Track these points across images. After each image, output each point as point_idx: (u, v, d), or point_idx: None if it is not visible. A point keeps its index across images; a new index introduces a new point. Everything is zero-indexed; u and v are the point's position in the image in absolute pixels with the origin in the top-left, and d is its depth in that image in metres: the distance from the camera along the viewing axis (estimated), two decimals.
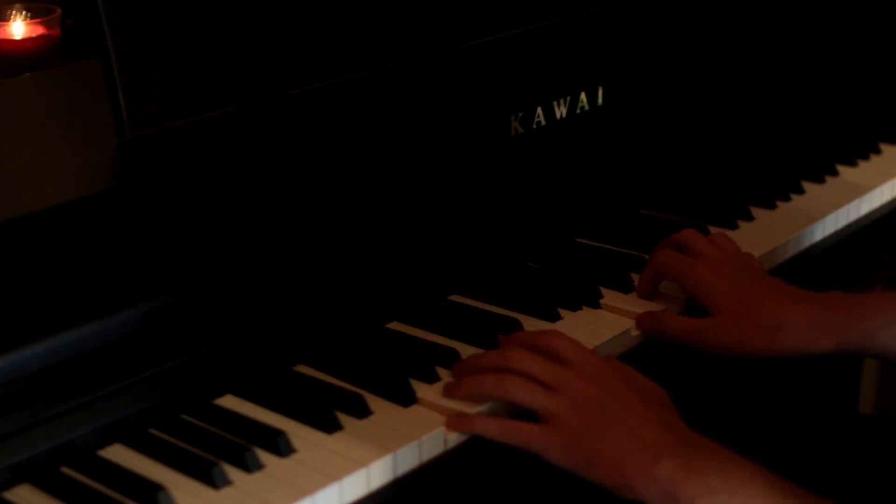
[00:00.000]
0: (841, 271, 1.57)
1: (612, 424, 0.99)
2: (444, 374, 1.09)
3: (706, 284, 1.18)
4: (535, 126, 1.31)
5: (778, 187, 1.50)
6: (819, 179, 1.54)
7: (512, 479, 1.28)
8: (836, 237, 1.46)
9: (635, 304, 1.22)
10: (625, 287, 1.25)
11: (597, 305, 1.23)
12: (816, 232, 1.43)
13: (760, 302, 1.16)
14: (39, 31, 1.46)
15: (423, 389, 1.07)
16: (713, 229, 1.38)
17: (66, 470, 0.97)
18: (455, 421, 1.03)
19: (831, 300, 1.16)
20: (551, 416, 1.00)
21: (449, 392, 1.06)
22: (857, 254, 1.54)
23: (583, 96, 1.36)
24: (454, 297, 1.24)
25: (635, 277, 1.25)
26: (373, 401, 1.05)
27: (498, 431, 1.02)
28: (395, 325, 1.18)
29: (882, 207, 1.54)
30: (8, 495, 0.94)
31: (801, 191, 1.51)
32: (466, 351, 1.12)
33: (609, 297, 1.24)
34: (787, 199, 1.49)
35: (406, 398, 1.06)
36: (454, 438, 1.03)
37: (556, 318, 1.19)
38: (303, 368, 1.11)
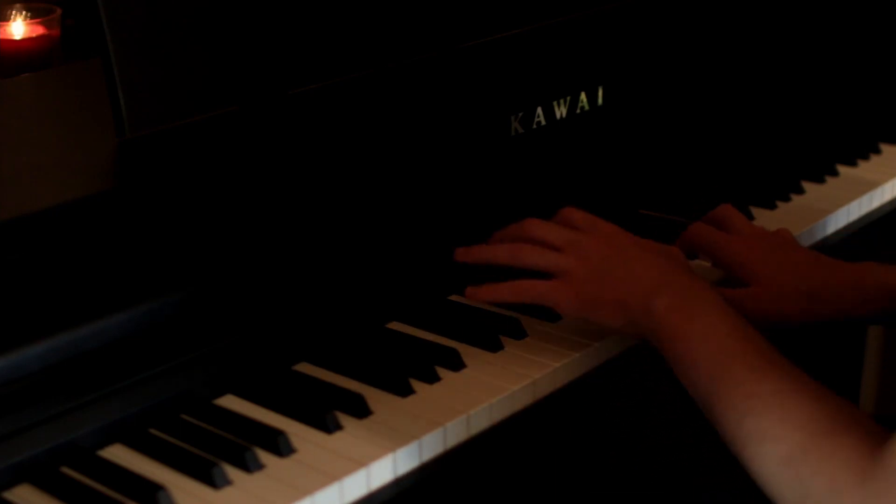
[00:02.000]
0: None
1: (616, 271, 1.07)
2: (444, 374, 1.09)
3: (739, 255, 1.21)
4: (535, 126, 1.31)
5: (778, 187, 1.50)
6: (819, 179, 1.54)
7: (511, 480, 1.28)
8: (836, 236, 1.46)
9: None
10: None
11: None
12: (817, 231, 1.43)
13: (796, 272, 1.19)
14: (39, 31, 1.46)
15: (423, 389, 1.07)
16: None
17: (66, 470, 0.97)
18: (471, 291, 1.13)
19: (865, 271, 1.20)
20: (561, 272, 1.09)
21: (463, 256, 1.16)
22: (858, 253, 1.54)
23: (583, 96, 1.36)
24: (454, 297, 1.24)
25: None
26: (373, 401, 1.04)
27: (509, 293, 1.11)
28: (395, 325, 1.18)
29: (882, 207, 1.54)
30: (8, 495, 0.94)
31: (801, 191, 1.51)
32: (466, 351, 1.12)
33: None
34: (787, 199, 1.49)
35: (404, 390, 1.06)
36: (454, 438, 1.03)
37: (555, 317, 1.19)
38: (303, 368, 1.11)
